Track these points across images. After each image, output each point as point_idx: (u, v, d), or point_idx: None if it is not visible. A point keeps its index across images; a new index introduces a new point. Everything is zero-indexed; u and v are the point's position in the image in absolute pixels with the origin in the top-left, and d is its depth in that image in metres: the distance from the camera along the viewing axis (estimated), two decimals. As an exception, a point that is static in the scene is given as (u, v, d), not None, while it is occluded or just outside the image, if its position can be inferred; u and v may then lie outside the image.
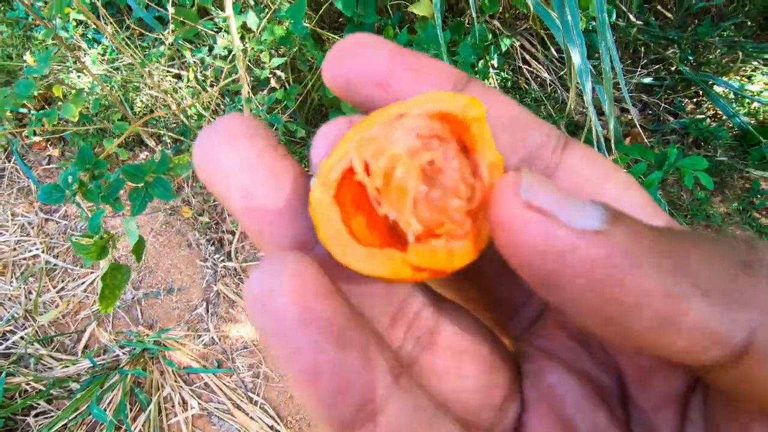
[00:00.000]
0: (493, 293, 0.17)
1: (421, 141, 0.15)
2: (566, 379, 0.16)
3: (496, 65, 1.68)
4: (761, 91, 1.69)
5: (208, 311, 1.43)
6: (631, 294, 0.10)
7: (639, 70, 1.81)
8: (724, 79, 1.72)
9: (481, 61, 1.66)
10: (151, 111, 1.65)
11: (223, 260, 1.51)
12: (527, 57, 1.75)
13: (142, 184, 0.69)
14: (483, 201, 0.15)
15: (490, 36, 1.57)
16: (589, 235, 0.10)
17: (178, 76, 1.69)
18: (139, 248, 0.72)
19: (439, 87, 0.16)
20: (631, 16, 1.86)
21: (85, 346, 1.36)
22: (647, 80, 1.81)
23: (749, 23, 1.84)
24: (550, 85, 1.80)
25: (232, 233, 1.56)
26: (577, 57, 0.88)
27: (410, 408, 0.13)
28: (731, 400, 0.13)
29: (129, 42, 1.73)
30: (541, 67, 1.74)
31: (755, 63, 1.74)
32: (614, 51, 0.94)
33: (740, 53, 1.74)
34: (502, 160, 0.15)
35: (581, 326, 0.13)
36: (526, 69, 1.75)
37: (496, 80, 1.68)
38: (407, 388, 0.13)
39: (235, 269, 1.50)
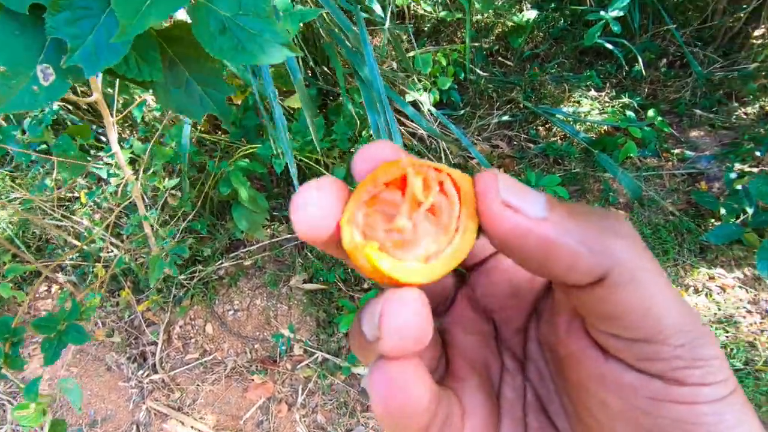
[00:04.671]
0: (430, 292, 0.26)
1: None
2: (464, 334, 0.25)
3: (377, 131, 1.90)
4: (589, 111, 2.07)
5: (139, 434, 1.36)
6: (556, 251, 0.17)
7: (496, 111, 2.14)
8: (561, 107, 2.09)
9: (363, 131, 1.87)
10: (47, 241, 1.62)
11: (148, 374, 1.46)
12: (402, 119, 1.99)
13: (55, 333, 0.72)
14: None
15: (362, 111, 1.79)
16: (539, 221, 0.17)
17: (71, 199, 1.69)
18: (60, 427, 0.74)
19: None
20: (478, 71, 2.21)
21: None
22: (505, 118, 2.13)
23: (567, 61, 2.28)
24: (429, 138, 2.05)
25: (155, 344, 1.53)
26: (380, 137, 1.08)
27: None
28: (574, 315, 0.20)
29: (16, 171, 1.71)
30: (416, 125, 1.99)
31: (580, 90, 2.14)
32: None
33: (566, 85, 2.13)
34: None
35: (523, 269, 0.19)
36: (404, 129, 1.99)
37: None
38: None
39: (163, 380, 1.45)
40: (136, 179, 1.03)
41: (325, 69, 1.78)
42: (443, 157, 1.91)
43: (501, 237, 0.18)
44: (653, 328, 0.17)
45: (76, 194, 1.67)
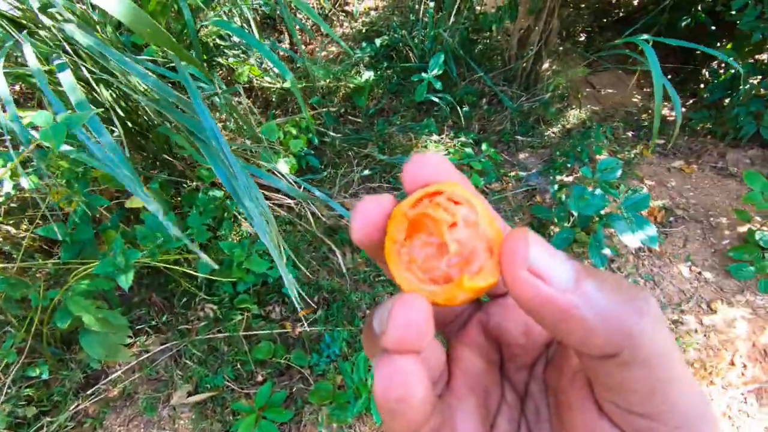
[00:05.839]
0: (442, 317, 0.27)
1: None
2: (472, 357, 0.25)
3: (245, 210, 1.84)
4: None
5: None
6: (573, 322, 0.17)
7: (356, 168, 2.25)
8: (411, 155, 2.28)
9: (225, 213, 1.79)
10: None
11: None
12: (266, 193, 1.97)
13: None
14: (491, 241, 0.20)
15: (221, 194, 1.72)
16: (563, 291, 0.17)
17: None
18: None
19: None
20: (331, 132, 2.32)
21: None
22: (366, 172, 2.25)
23: (408, 112, 2.53)
24: (297, 204, 2.06)
25: None
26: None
27: None
28: (581, 375, 0.21)
29: None
30: (281, 196, 1.98)
31: (424, 136, 2.38)
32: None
33: (411, 134, 2.36)
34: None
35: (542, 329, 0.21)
36: (271, 204, 1.96)
37: (248, 222, 1.82)
38: None
39: None
40: None
41: (167, 157, 1.69)
42: (313, 221, 1.92)
43: (523, 302, 0.18)
44: (655, 408, 0.17)
45: None
